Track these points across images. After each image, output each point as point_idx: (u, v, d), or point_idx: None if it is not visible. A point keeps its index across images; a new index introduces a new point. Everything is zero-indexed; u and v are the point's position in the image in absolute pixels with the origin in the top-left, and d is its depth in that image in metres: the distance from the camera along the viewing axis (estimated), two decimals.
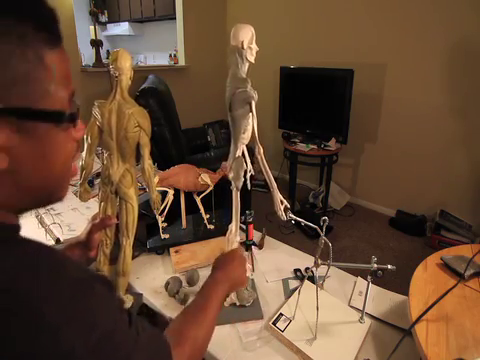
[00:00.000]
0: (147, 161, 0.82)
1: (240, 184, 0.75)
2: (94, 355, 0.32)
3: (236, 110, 0.68)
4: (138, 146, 0.80)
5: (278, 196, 0.76)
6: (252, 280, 0.97)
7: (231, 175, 0.76)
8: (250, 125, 0.72)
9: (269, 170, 0.75)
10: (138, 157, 0.83)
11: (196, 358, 0.53)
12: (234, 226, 0.83)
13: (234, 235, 0.84)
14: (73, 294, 0.33)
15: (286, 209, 0.76)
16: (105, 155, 0.80)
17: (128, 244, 0.82)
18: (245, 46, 0.66)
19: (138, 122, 0.76)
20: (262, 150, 0.74)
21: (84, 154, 0.79)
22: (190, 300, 0.92)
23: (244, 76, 0.69)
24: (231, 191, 0.79)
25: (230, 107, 0.68)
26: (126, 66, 0.77)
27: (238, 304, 0.87)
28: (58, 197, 0.42)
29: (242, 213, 0.82)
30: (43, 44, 0.34)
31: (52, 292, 0.32)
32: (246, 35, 0.66)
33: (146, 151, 0.81)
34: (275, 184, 0.75)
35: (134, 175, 0.83)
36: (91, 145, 0.78)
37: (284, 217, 0.76)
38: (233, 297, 0.87)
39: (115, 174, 0.79)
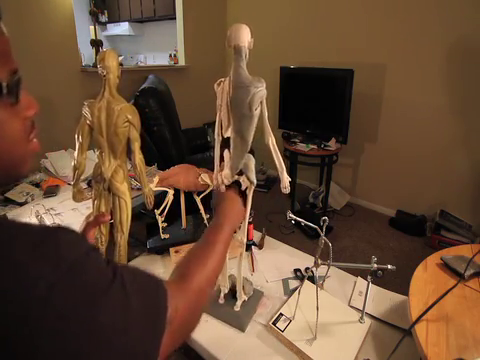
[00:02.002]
0: (138, 156, 0.82)
1: (255, 178, 0.75)
2: (65, 284, 0.30)
3: (255, 109, 0.69)
4: (129, 142, 0.80)
5: (286, 176, 0.77)
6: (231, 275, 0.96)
7: (247, 172, 0.76)
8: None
9: (279, 154, 0.76)
10: (129, 154, 0.83)
11: (200, 302, 0.48)
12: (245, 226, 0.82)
13: (243, 233, 0.82)
14: (39, 236, 0.32)
15: (290, 184, 0.78)
16: (96, 153, 0.81)
17: (123, 240, 0.83)
18: (248, 45, 0.67)
19: (127, 118, 0.77)
20: (275, 140, 0.76)
21: (76, 154, 0.79)
22: None
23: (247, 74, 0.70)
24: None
25: (250, 107, 0.68)
26: (113, 65, 0.78)
27: (247, 299, 0.88)
28: (19, 172, 0.41)
29: None
30: None
31: (16, 235, 0.31)
32: (248, 34, 0.68)
33: (136, 145, 0.81)
34: (284, 166, 0.76)
35: (126, 171, 0.83)
36: (82, 144, 0.79)
37: (287, 190, 0.77)
38: (243, 295, 0.87)
39: (107, 171, 0.79)
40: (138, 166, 0.83)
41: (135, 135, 0.80)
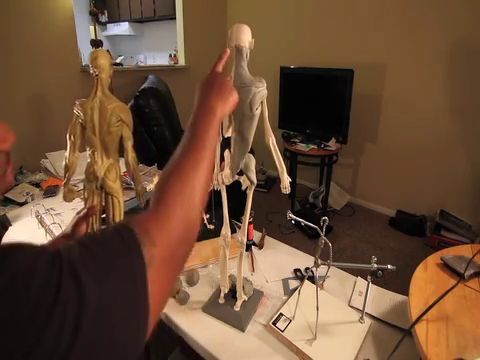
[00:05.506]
0: (130, 154, 0.83)
1: (255, 178, 0.76)
2: None
3: (256, 109, 0.70)
4: (121, 141, 0.81)
5: (286, 176, 0.79)
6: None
7: (248, 172, 0.77)
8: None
9: (280, 154, 0.77)
10: (122, 153, 0.84)
11: (186, 222, 0.39)
12: (245, 228, 0.83)
13: (243, 233, 0.83)
14: None
15: (290, 184, 0.80)
16: (89, 152, 0.81)
17: None
18: (249, 45, 0.67)
19: (120, 116, 0.78)
20: (275, 140, 0.77)
21: (67, 153, 0.80)
22: (190, 300, 0.92)
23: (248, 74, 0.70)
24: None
25: (250, 107, 0.69)
26: (105, 64, 0.79)
27: (247, 299, 0.88)
28: None
29: (241, 213, 0.82)
30: None
31: None
32: (249, 35, 0.68)
33: (129, 144, 0.82)
34: (284, 166, 0.78)
35: (118, 169, 0.83)
36: (74, 143, 0.79)
37: (288, 191, 0.79)
38: (243, 295, 0.87)
39: (100, 169, 0.80)
40: (131, 164, 0.84)
41: (128, 134, 0.81)
